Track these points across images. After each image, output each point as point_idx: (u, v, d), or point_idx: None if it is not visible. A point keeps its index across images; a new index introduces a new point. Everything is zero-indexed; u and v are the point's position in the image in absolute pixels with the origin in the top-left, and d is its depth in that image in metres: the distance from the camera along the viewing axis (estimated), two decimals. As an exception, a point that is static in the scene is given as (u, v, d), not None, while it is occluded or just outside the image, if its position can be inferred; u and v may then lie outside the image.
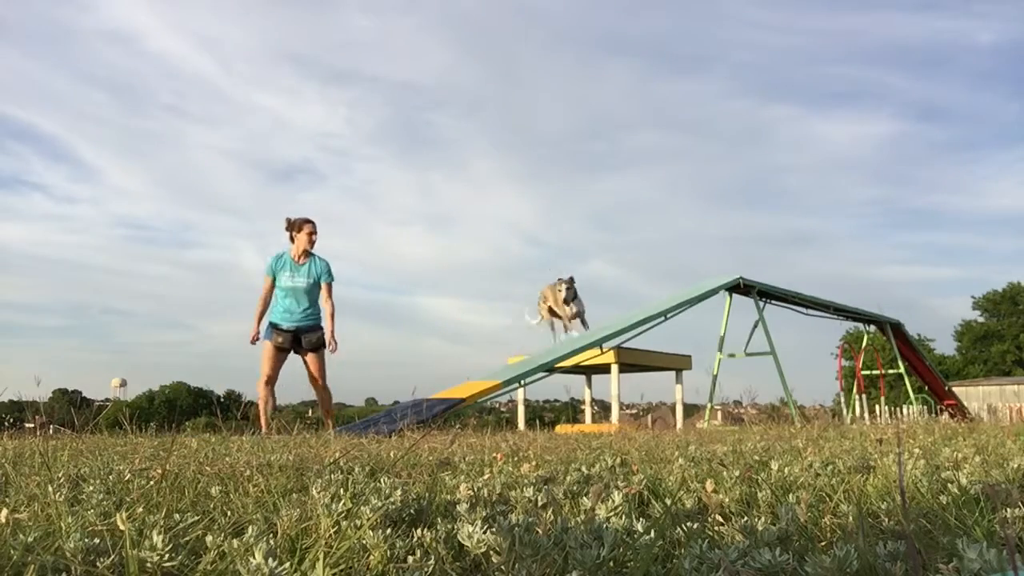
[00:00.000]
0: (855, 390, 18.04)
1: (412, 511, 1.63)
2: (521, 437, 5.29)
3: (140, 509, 1.56)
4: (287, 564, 1.13)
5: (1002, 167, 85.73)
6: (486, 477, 2.23)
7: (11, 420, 5.87)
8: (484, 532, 1.28)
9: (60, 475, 2.16)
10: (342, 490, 1.68)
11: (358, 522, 1.41)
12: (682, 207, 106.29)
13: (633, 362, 13.10)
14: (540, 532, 1.31)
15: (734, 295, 13.52)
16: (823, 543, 1.47)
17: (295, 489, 1.98)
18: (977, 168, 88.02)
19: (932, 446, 3.32)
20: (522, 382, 10.03)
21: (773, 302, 14.08)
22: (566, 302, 11.74)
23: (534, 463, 2.70)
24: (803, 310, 14.93)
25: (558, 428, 11.32)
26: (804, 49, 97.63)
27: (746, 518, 1.49)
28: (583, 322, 12.04)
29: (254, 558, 1.11)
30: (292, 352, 6.93)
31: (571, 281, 11.91)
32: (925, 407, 16.60)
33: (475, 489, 1.89)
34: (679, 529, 1.47)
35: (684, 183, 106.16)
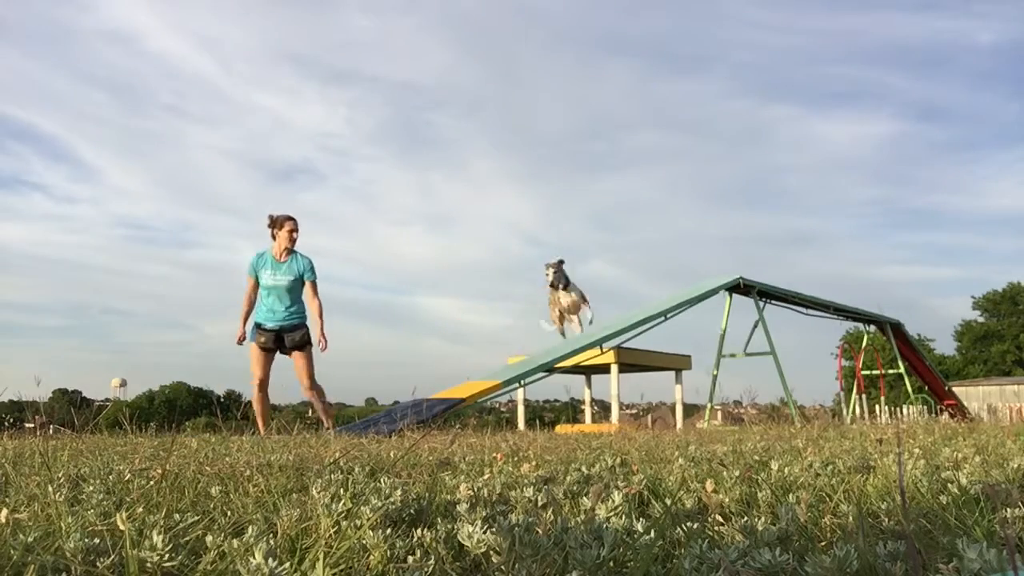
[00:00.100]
0: (855, 390, 18.05)
1: (412, 511, 1.63)
2: (521, 437, 5.29)
3: (140, 509, 1.56)
4: (287, 564, 1.13)
5: (1002, 167, 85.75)
6: (486, 477, 2.23)
7: (11, 420, 5.87)
8: (484, 532, 1.28)
9: (60, 475, 2.16)
10: (342, 490, 1.68)
11: (358, 522, 1.41)
12: (682, 207, 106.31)
13: (633, 362, 13.10)
14: (540, 532, 1.31)
15: (734, 295, 13.52)
16: (823, 543, 1.47)
17: (295, 489, 1.98)
18: (977, 168, 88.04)
19: (932, 446, 3.32)
20: (522, 382, 10.03)
21: (773, 302, 14.10)
22: (553, 286, 10.93)
23: (534, 463, 2.70)
24: (803, 310, 14.95)
25: (558, 428, 11.33)
26: (804, 49, 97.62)
27: (746, 518, 1.49)
28: (586, 306, 11.41)
29: (254, 558, 1.11)
30: (279, 352, 6.86)
31: (559, 265, 11.10)
32: (925, 407, 16.61)
33: (475, 489, 1.89)
34: (679, 529, 1.47)
35: (684, 183, 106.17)
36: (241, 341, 6.82)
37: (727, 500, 1.85)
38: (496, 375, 9.71)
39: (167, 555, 1.21)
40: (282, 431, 5.44)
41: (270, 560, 1.11)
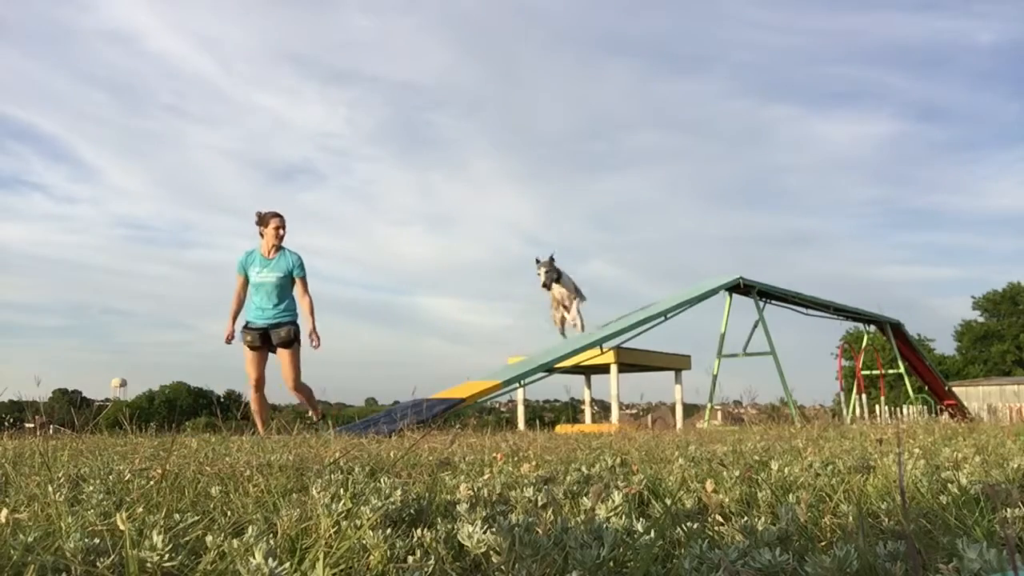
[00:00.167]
0: (855, 390, 18.05)
1: (412, 511, 1.63)
2: (521, 437, 5.29)
3: (140, 509, 1.56)
4: (287, 564, 1.13)
5: (1002, 167, 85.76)
6: (486, 477, 2.23)
7: (11, 420, 5.87)
8: (484, 532, 1.28)
9: (60, 475, 2.16)
10: (342, 490, 1.68)
11: (358, 522, 1.41)
12: (682, 207, 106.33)
13: (633, 362, 13.11)
14: (540, 532, 1.31)
15: (734, 295, 13.53)
16: (823, 543, 1.47)
17: (295, 489, 1.98)
18: (977, 168, 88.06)
19: (932, 446, 3.32)
20: (522, 382, 10.03)
21: (773, 302, 14.10)
22: (546, 287, 10.48)
23: (534, 463, 2.70)
24: (803, 310, 14.95)
25: (558, 428, 11.32)
26: (804, 49, 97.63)
27: (746, 518, 1.49)
28: (580, 299, 10.99)
29: (254, 558, 1.11)
30: (269, 351, 6.79)
31: (550, 262, 10.60)
32: (925, 407, 16.61)
33: (475, 489, 1.89)
34: (679, 529, 1.47)
35: (684, 183, 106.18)
36: (229, 340, 6.76)
37: (727, 500, 1.85)
38: (496, 375, 9.71)
39: (167, 555, 1.21)
40: (282, 431, 5.44)
41: (270, 560, 1.11)
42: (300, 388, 6.80)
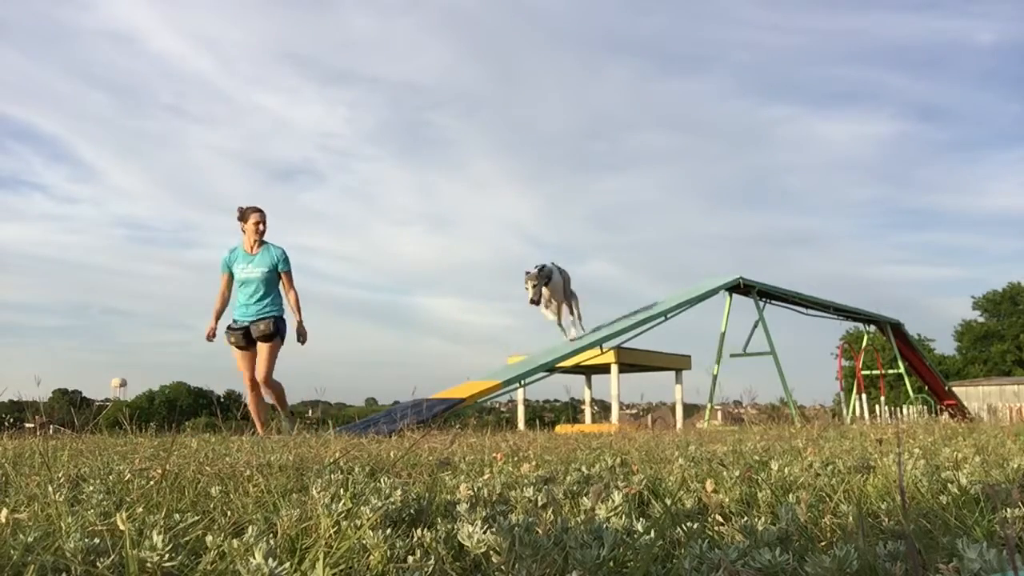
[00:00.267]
0: (855, 390, 18.05)
1: (412, 511, 1.63)
2: (521, 437, 5.29)
3: (140, 509, 1.56)
4: (287, 564, 1.13)
5: (1002, 167, 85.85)
6: (486, 477, 2.23)
7: (11, 420, 5.86)
8: (484, 532, 1.28)
9: (60, 475, 2.16)
10: (342, 490, 1.68)
11: (358, 522, 1.41)
12: (682, 207, 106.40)
13: (633, 362, 13.10)
14: (540, 532, 1.31)
15: (734, 295, 13.52)
16: (823, 543, 1.47)
17: (295, 489, 1.98)
18: (977, 168, 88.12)
19: (932, 446, 3.32)
20: (522, 382, 10.03)
21: (773, 302, 14.10)
22: (534, 302, 9.86)
23: (534, 463, 2.70)
24: (803, 310, 14.95)
25: (558, 428, 11.32)
26: (804, 49, 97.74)
27: (746, 518, 1.49)
28: (571, 307, 10.50)
29: (254, 558, 1.11)
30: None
31: (539, 275, 9.91)
32: (925, 407, 16.61)
33: (475, 489, 1.89)
34: (679, 529, 1.47)
35: (684, 183, 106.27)
36: (210, 337, 6.66)
37: (727, 500, 1.85)
38: (496, 375, 9.71)
39: (167, 555, 1.21)
40: (282, 431, 5.43)
41: (270, 560, 1.11)
42: (271, 384, 6.64)
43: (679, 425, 12.44)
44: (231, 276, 6.73)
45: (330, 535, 1.39)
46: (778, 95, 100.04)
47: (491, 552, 1.27)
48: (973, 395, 29.64)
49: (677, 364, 14.33)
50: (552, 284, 10.15)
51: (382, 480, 1.86)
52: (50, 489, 1.71)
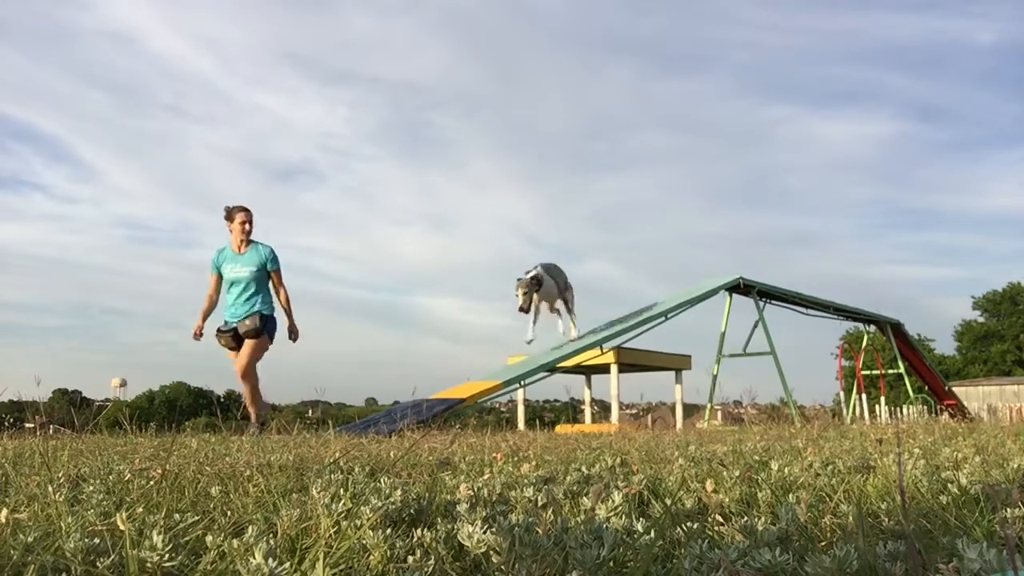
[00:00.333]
0: (855, 390, 18.05)
1: (412, 511, 1.63)
2: (521, 437, 5.29)
3: (140, 509, 1.56)
4: (287, 564, 1.13)
5: (1002, 167, 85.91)
6: (486, 477, 2.23)
7: (11, 420, 5.86)
8: (484, 532, 1.28)
9: (60, 475, 2.16)
10: (342, 490, 1.68)
11: (358, 522, 1.41)
12: (682, 207, 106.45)
13: (633, 362, 13.10)
14: (540, 532, 1.31)
15: (734, 295, 13.52)
16: (823, 543, 1.47)
17: (295, 489, 1.98)
18: (977, 168, 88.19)
19: (932, 446, 3.32)
20: (522, 382, 10.03)
21: (773, 302, 14.09)
22: (523, 310, 9.45)
23: (534, 463, 2.70)
24: (803, 310, 14.94)
25: (558, 428, 11.31)
26: (804, 49, 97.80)
27: (746, 518, 1.49)
28: (568, 309, 10.22)
29: (254, 558, 1.11)
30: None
31: (530, 284, 9.51)
32: (925, 407, 16.60)
33: (475, 489, 1.89)
34: (679, 529, 1.47)
35: (684, 183, 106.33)
36: (197, 336, 6.60)
37: (727, 500, 1.85)
38: (496, 375, 9.71)
39: (167, 555, 1.20)
40: (282, 431, 5.43)
41: (270, 560, 1.11)
42: (248, 377, 6.54)
43: (679, 425, 12.43)
44: (220, 276, 6.68)
45: (330, 535, 1.39)
46: (778, 95, 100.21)
47: (491, 552, 1.27)
48: (973, 395, 29.64)
49: (677, 364, 14.33)
50: (543, 290, 9.84)
51: (382, 480, 1.85)
52: (50, 489, 1.71)
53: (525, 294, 9.50)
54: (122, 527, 1.23)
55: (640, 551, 1.28)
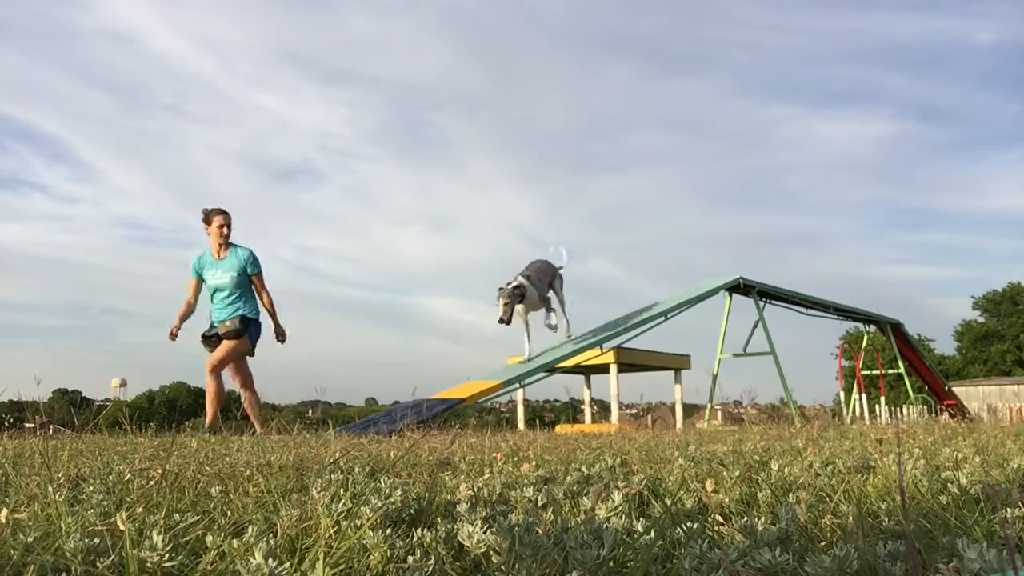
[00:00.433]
0: (855, 390, 18.05)
1: (412, 511, 1.63)
2: (521, 437, 5.29)
3: (140, 509, 1.56)
4: (287, 564, 1.13)
5: (1002, 167, 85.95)
6: (486, 477, 2.23)
7: (11, 420, 5.86)
8: (484, 532, 1.28)
9: (60, 475, 2.16)
10: (342, 490, 1.68)
11: (358, 522, 1.41)
12: (682, 207, 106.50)
13: (633, 362, 13.10)
14: (540, 532, 1.31)
15: (734, 295, 13.52)
16: (823, 543, 1.47)
17: (295, 489, 1.98)
18: (977, 168, 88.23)
19: (932, 446, 3.32)
20: (522, 382, 10.02)
21: (773, 302, 14.09)
22: (505, 322, 8.83)
23: (534, 463, 2.70)
24: (803, 310, 14.94)
25: (558, 428, 11.32)
26: (804, 49, 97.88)
27: (746, 518, 1.49)
28: (548, 310, 9.53)
29: (254, 558, 1.11)
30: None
31: (512, 291, 8.90)
32: (925, 407, 16.60)
33: (475, 489, 1.89)
34: (679, 529, 1.47)
35: (684, 183, 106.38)
36: (173, 336, 6.47)
37: (727, 500, 1.85)
38: (496, 375, 9.70)
39: (167, 555, 1.20)
40: (282, 431, 5.43)
41: (270, 560, 1.11)
42: (215, 374, 6.41)
43: (679, 425, 12.43)
44: (200, 281, 6.56)
45: (330, 535, 1.39)
46: (778, 95, 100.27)
47: (491, 552, 1.27)
48: (973, 395, 29.63)
49: (677, 364, 14.33)
50: (528, 300, 9.23)
51: (382, 480, 1.85)
52: (50, 489, 1.71)
53: (506, 305, 8.92)
54: (122, 527, 1.23)
55: (640, 551, 1.28)
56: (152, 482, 1.96)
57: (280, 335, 6.61)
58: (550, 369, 10.35)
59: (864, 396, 17.94)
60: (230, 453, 3.02)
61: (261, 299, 6.55)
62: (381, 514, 1.48)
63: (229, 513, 1.69)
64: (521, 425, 11.75)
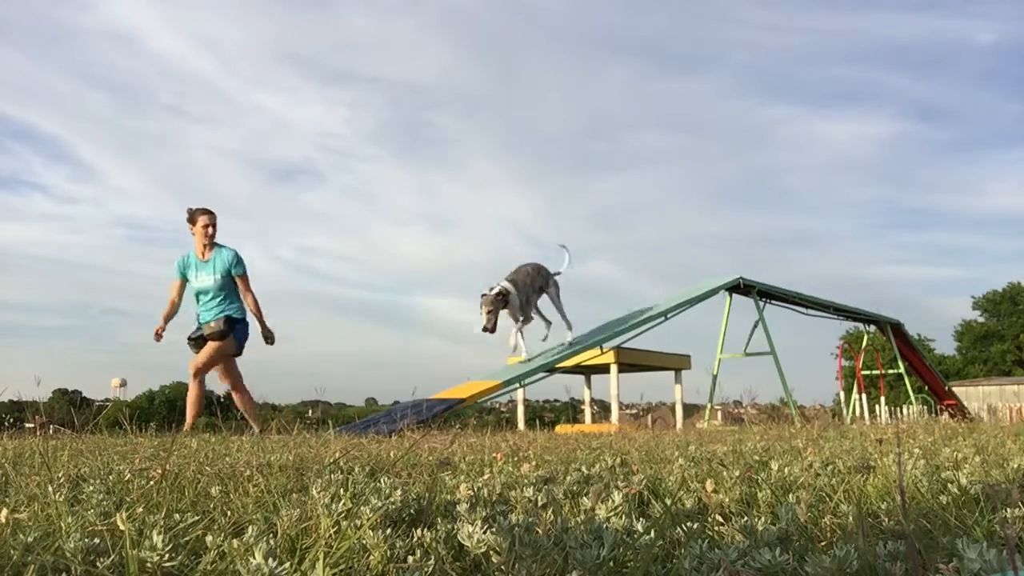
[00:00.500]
0: (855, 390, 18.05)
1: (412, 511, 1.63)
2: (521, 437, 5.29)
3: (140, 509, 1.56)
4: (287, 564, 1.13)
5: (1002, 167, 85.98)
6: (486, 477, 2.23)
7: (11, 420, 5.86)
8: (484, 532, 1.28)
9: (60, 475, 2.16)
10: (342, 490, 1.68)
11: (358, 522, 1.41)
12: (682, 207, 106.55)
13: (633, 362, 13.10)
14: (540, 532, 1.31)
15: (734, 295, 13.52)
16: (823, 543, 1.47)
17: (295, 489, 1.98)
18: (977, 168, 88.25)
19: (932, 446, 3.32)
20: (522, 382, 10.02)
21: (773, 302, 14.09)
22: (488, 330, 8.41)
23: (534, 463, 2.70)
24: (803, 310, 14.94)
25: (558, 428, 11.32)
26: (804, 49, 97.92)
27: (746, 518, 1.49)
28: (522, 319, 8.99)
29: (254, 558, 1.11)
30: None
31: (495, 298, 8.48)
32: (925, 407, 16.61)
33: (475, 489, 1.89)
34: (679, 529, 1.47)
35: (684, 183, 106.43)
36: (158, 337, 6.36)
37: (727, 500, 1.85)
38: (496, 375, 9.70)
39: (167, 555, 1.20)
40: (282, 431, 5.43)
41: (270, 560, 1.11)
42: (199, 377, 6.31)
43: (679, 425, 12.44)
44: (184, 282, 6.45)
45: (330, 535, 1.39)
46: (778, 95, 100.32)
47: (491, 552, 1.27)
48: (973, 395, 29.63)
49: (677, 364, 14.33)
50: (512, 306, 8.75)
51: (382, 480, 1.85)
52: (50, 489, 1.71)
53: (489, 312, 8.45)
54: (122, 527, 1.23)
55: (640, 551, 1.28)
56: (152, 482, 1.96)
57: (268, 337, 6.46)
58: (550, 369, 10.35)
59: (864, 396, 17.95)
60: (230, 453, 3.02)
61: (246, 300, 6.41)
62: (381, 514, 1.48)
63: (229, 513, 1.69)
64: (521, 425, 11.75)
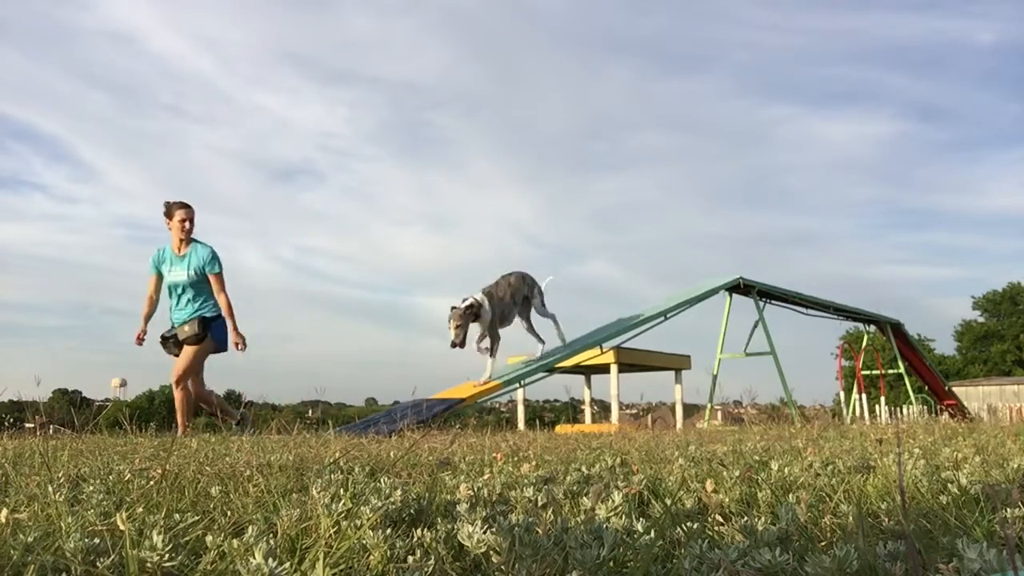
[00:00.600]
0: (855, 390, 18.05)
1: (412, 511, 1.63)
2: (521, 437, 5.29)
3: (140, 509, 1.56)
4: (287, 564, 1.13)
5: (1002, 167, 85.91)
6: (486, 477, 2.23)
7: (11, 420, 5.86)
8: (484, 532, 1.28)
9: (60, 475, 2.16)
10: (342, 490, 1.68)
11: (358, 522, 1.41)
12: (682, 207, 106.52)
13: (633, 362, 13.11)
14: (540, 532, 1.31)
15: (734, 295, 13.52)
16: (823, 543, 1.47)
17: (295, 489, 1.97)
18: (977, 168, 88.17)
19: (932, 446, 3.32)
20: (522, 382, 10.03)
21: (773, 302, 14.09)
22: (457, 345, 8.00)
23: (534, 463, 2.70)
24: (803, 310, 14.94)
25: (558, 428, 11.32)
26: (804, 49, 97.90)
27: (746, 518, 1.49)
28: (492, 338, 8.48)
29: (254, 558, 1.11)
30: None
31: (465, 312, 8.05)
32: (925, 407, 16.60)
33: (475, 489, 1.89)
34: (679, 529, 1.47)
35: (684, 183, 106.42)
36: (139, 341, 6.26)
37: (727, 500, 1.85)
38: (496, 375, 9.70)
39: (167, 555, 1.20)
40: (282, 431, 5.43)
41: (270, 560, 1.11)
42: (181, 385, 6.18)
43: (679, 425, 12.44)
44: (159, 277, 6.27)
45: (330, 535, 1.39)
46: (778, 95, 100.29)
47: (491, 552, 1.27)
48: (973, 395, 29.63)
49: (677, 364, 14.34)
50: (481, 318, 8.28)
51: (382, 480, 1.85)
52: (50, 489, 1.71)
53: (458, 327, 7.99)
54: (122, 527, 1.23)
55: (640, 551, 1.28)
56: (152, 482, 1.96)
57: (238, 343, 6.20)
58: (550, 369, 10.35)
59: (864, 396, 17.95)
60: (230, 453, 3.02)
61: (219, 301, 6.20)
62: (381, 514, 1.48)
63: (229, 513, 1.69)
64: (521, 425, 11.75)
